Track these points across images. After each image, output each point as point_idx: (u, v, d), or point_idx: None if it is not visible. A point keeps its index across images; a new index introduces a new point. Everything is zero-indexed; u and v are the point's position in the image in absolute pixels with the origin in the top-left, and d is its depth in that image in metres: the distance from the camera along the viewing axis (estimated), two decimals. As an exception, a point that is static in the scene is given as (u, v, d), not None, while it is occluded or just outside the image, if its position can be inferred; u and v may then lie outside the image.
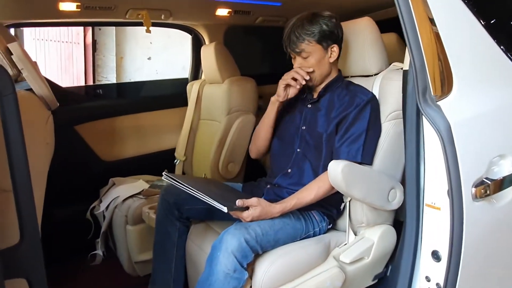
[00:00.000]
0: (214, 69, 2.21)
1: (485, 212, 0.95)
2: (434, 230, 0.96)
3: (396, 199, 1.39)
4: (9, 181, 0.71)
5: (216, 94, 2.25)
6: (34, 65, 0.93)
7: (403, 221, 1.32)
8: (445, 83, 0.92)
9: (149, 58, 4.17)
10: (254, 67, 2.99)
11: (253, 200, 1.28)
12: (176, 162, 2.44)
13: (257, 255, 1.24)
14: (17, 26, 2.19)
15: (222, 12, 2.40)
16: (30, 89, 0.94)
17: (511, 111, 1.04)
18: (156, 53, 4.17)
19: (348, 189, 1.26)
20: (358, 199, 1.34)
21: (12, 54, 0.88)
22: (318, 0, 2.29)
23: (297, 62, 1.45)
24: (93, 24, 3.43)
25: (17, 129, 0.67)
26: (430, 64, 0.88)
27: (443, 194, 0.90)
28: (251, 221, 1.26)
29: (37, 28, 3.84)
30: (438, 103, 0.90)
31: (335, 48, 1.43)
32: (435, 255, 0.96)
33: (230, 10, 2.41)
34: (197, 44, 2.67)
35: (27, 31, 3.72)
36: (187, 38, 4.16)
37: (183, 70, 4.12)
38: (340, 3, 2.34)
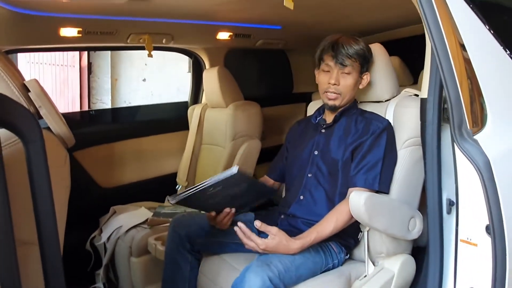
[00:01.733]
0: (217, 94, 2.19)
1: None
2: (471, 267, 0.93)
3: (416, 228, 1.36)
4: (30, 233, 0.66)
5: (220, 119, 2.21)
6: (51, 101, 0.89)
7: (426, 253, 1.29)
8: (480, 117, 0.90)
9: (144, 80, 4.13)
10: (255, 90, 2.98)
11: (274, 230, 1.24)
12: (178, 188, 2.38)
13: (280, 293, 1.19)
14: (17, 51, 2.13)
15: (223, 35, 2.39)
16: (47, 127, 0.89)
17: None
18: (151, 75, 4.14)
19: (371, 221, 1.23)
20: (380, 231, 1.30)
21: (29, 91, 0.83)
22: (317, 25, 2.31)
23: (334, 75, 1.39)
24: (94, 49, 3.41)
25: (44, 179, 0.61)
26: (465, 97, 0.87)
27: (480, 230, 0.88)
28: (264, 250, 1.22)
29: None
30: (474, 137, 0.88)
31: (367, 76, 1.43)
32: (472, 293, 0.93)
33: (231, 33, 2.40)
34: (197, 68, 2.65)
35: (21, 54, 3.65)
36: (181, 59, 4.16)
37: (178, 92, 4.10)
38: (339, 27, 2.36)
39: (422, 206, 1.44)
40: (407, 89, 1.54)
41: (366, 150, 1.36)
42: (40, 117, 0.87)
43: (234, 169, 1.15)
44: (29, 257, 0.71)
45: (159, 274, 1.56)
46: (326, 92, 1.42)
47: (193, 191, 1.22)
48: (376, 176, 1.33)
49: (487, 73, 0.92)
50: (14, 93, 0.80)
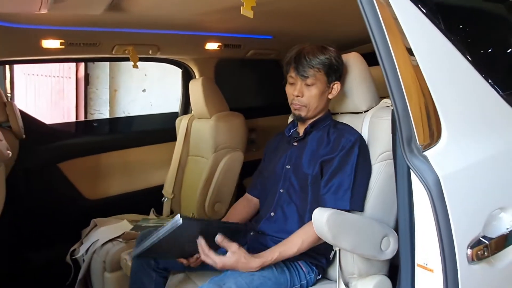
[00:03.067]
0: (202, 104, 2.15)
1: (484, 277, 0.84)
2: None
3: (390, 248, 1.27)
4: None
5: (204, 130, 2.18)
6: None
7: (399, 273, 1.20)
8: (432, 130, 0.83)
9: (143, 90, 4.14)
10: (247, 100, 2.94)
11: (233, 247, 1.19)
12: (164, 200, 2.34)
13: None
14: (1, 63, 2.16)
15: (212, 46, 2.36)
16: None
17: (509, 158, 0.94)
18: (151, 85, 4.15)
19: (336, 240, 1.15)
20: (348, 250, 1.22)
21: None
22: (309, 34, 2.26)
23: (297, 87, 1.36)
24: (79, 60, 3.43)
25: None
26: (414, 109, 0.80)
27: (435, 255, 0.80)
28: (222, 268, 1.18)
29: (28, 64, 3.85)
30: (424, 153, 0.81)
31: (337, 85, 1.37)
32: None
33: (220, 44, 2.37)
34: (187, 78, 2.63)
35: (17, 67, 3.72)
36: (182, 70, 4.16)
37: (177, 102, 4.09)
38: (330, 36, 2.31)
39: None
40: (385, 100, 1.47)
41: (336, 167, 1.29)
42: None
43: (177, 219, 1.09)
44: None
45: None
46: (292, 103, 1.39)
47: (147, 245, 1.20)
48: (347, 194, 1.26)
49: (440, 80, 0.84)
50: None
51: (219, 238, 1.20)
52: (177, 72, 4.19)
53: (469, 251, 0.81)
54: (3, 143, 0.95)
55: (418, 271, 0.85)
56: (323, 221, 1.13)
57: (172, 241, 1.19)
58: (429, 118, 0.82)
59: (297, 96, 1.37)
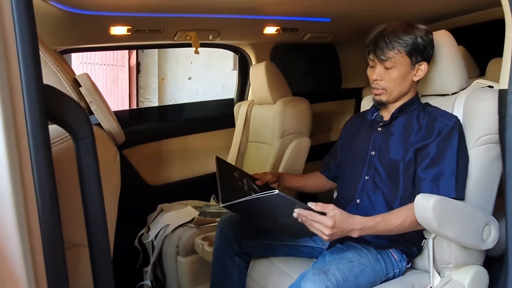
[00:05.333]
0: (265, 90, 2.12)
1: None
2: None
3: (491, 237, 1.21)
4: (80, 234, 0.62)
5: (267, 116, 2.14)
6: (102, 96, 0.86)
7: (504, 265, 1.14)
8: None
9: (189, 78, 4.16)
10: (301, 85, 2.89)
11: (330, 206, 1.10)
12: (223, 187, 2.33)
13: (337, 305, 1.09)
14: (69, 51, 2.19)
15: (270, 30, 2.32)
16: (97, 124, 0.87)
17: None
18: (197, 73, 4.16)
19: (441, 228, 1.10)
20: (451, 239, 1.17)
21: (80, 86, 0.81)
22: (369, 15, 2.17)
23: (376, 71, 1.29)
24: (143, 47, 3.46)
25: (95, 177, 0.58)
26: None
27: None
28: (332, 229, 1.06)
29: (85, 52, 3.94)
30: None
31: (424, 66, 1.28)
32: None
33: (278, 27, 2.32)
34: (243, 64, 2.60)
35: (74, 55, 3.82)
36: (227, 57, 4.14)
37: (223, 90, 4.09)
38: (392, 17, 2.20)
39: (497, 212, 1.28)
40: (479, 81, 1.38)
41: (435, 154, 1.21)
42: (91, 113, 0.84)
43: (275, 191, 1.04)
44: (79, 259, 0.68)
45: (206, 275, 1.53)
46: (372, 87, 1.33)
47: (238, 200, 1.14)
48: (450, 181, 1.18)
49: None
50: (65, 88, 0.78)
51: (312, 204, 1.10)
52: (222, 59, 4.20)
53: None
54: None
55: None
56: (429, 208, 1.07)
57: (261, 207, 1.16)
58: None
59: (376, 80, 1.30)
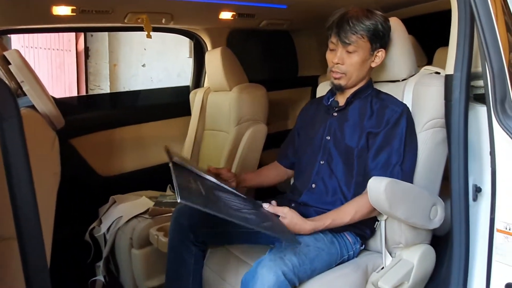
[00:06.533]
0: (221, 76, 2.07)
1: None
2: (508, 261, 0.83)
3: (437, 217, 1.27)
4: (8, 227, 0.56)
5: (223, 103, 2.10)
6: (36, 76, 0.78)
7: (449, 244, 1.19)
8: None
9: (143, 65, 4.00)
10: (258, 73, 2.86)
11: (284, 209, 1.16)
12: (179, 176, 2.27)
13: (293, 288, 1.09)
14: (7, 32, 2.01)
15: (226, 15, 2.26)
16: (31, 106, 0.79)
17: None
18: (151, 60, 4.01)
19: (392, 210, 1.13)
20: (401, 220, 1.20)
21: (9, 64, 0.72)
22: (325, 2, 2.17)
23: (338, 54, 1.28)
24: (89, 30, 3.26)
25: (23, 162, 0.51)
26: (509, 67, 0.76)
27: (522, 220, 0.78)
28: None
29: (26, 35, 3.64)
30: (519, 113, 0.78)
31: (381, 53, 1.30)
32: (511, 289, 0.84)
33: (234, 13, 2.27)
34: (199, 50, 2.53)
35: (15, 38, 3.51)
36: (182, 44, 4.02)
37: (179, 77, 3.97)
38: (348, 5, 2.23)
39: (443, 193, 1.34)
40: (427, 67, 1.43)
41: (383, 141, 1.25)
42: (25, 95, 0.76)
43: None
44: (11, 254, 0.62)
45: (161, 267, 1.48)
46: (331, 71, 1.33)
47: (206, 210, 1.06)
48: (396, 169, 1.23)
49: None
50: (-10, 65, 0.69)
51: (266, 205, 1.18)
52: (177, 46, 4.07)
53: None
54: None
55: (498, 236, 0.83)
56: (381, 190, 1.10)
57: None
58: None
59: (337, 63, 1.30)
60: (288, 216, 1.15)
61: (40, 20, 1.84)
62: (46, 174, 0.70)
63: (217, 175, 1.39)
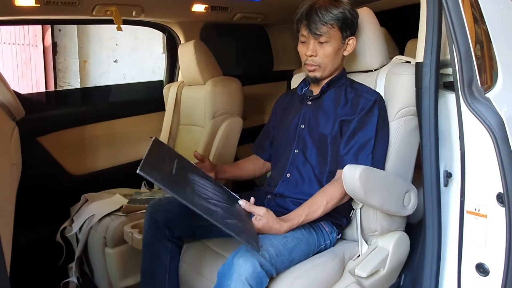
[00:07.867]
0: (194, 70, 2.04)
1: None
2: (479, 240, 0.85)
3: (411, 203, 1.29)
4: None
5: (198, 97, 2.07)
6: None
7: (422, 229, 1.21)
8: (490, 73, 0.81)
9: (115, 61, 3.89)
10: (232, 67, 2.84)
11: (261, 210, 1.14)
12: (154, 173, 2.23)
13: (271, 279, 1.08)
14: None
15: (199, 8, 2.22)
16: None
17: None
18: (123, 56, 3.90)
19: (366, 197, 1.14)
20: (375, 207, 1.22)
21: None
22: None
23: (310, 46, 1.28)
24: (55, 22, 3.11)
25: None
26: (475, 52, 0.77)
27: (490, 200, 0.79)
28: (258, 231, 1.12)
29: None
30: (486, 95, 0.79)
31: (352, 41, 1.31)
32: (481, 269, 0.86)
33: (207, 6, 2.23)
34: (171, 44, 2.48)
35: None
36: (156, 39, 3.94)
37: (153, 74, 3.89)
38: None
39: (416, 180, 1.37)
40: (398, 57, 1.45)
41: (356, 127, 1.26)
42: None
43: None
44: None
45: (137, 265, 1.44)
46: (305, 64, 1.32)
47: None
48: (368, 155, 1.24)
49: (498, 25, 0.82)
50: None
51: (242, 203, 1.16)
52: (150, 41, 3.99)
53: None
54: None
55: (467, 218, 0.84)
56: (356, 177, 1.10)
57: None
58: (488, 62, 0.80)
59: (311, 55, 1.30)
60: (264, 218, 1.13)
61: (1, 11, 1.74)
62: (4, 165, 0.65)
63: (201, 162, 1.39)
